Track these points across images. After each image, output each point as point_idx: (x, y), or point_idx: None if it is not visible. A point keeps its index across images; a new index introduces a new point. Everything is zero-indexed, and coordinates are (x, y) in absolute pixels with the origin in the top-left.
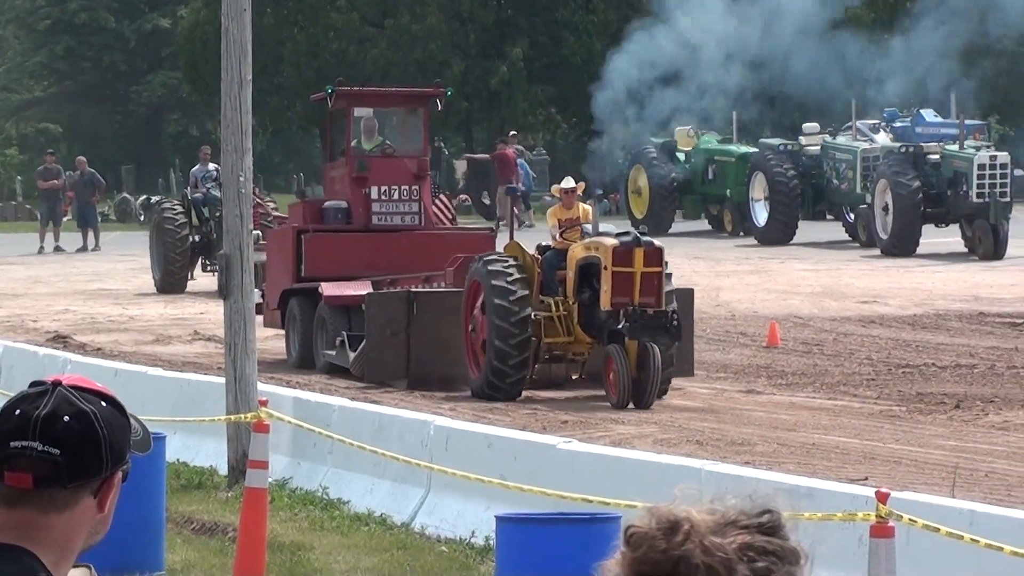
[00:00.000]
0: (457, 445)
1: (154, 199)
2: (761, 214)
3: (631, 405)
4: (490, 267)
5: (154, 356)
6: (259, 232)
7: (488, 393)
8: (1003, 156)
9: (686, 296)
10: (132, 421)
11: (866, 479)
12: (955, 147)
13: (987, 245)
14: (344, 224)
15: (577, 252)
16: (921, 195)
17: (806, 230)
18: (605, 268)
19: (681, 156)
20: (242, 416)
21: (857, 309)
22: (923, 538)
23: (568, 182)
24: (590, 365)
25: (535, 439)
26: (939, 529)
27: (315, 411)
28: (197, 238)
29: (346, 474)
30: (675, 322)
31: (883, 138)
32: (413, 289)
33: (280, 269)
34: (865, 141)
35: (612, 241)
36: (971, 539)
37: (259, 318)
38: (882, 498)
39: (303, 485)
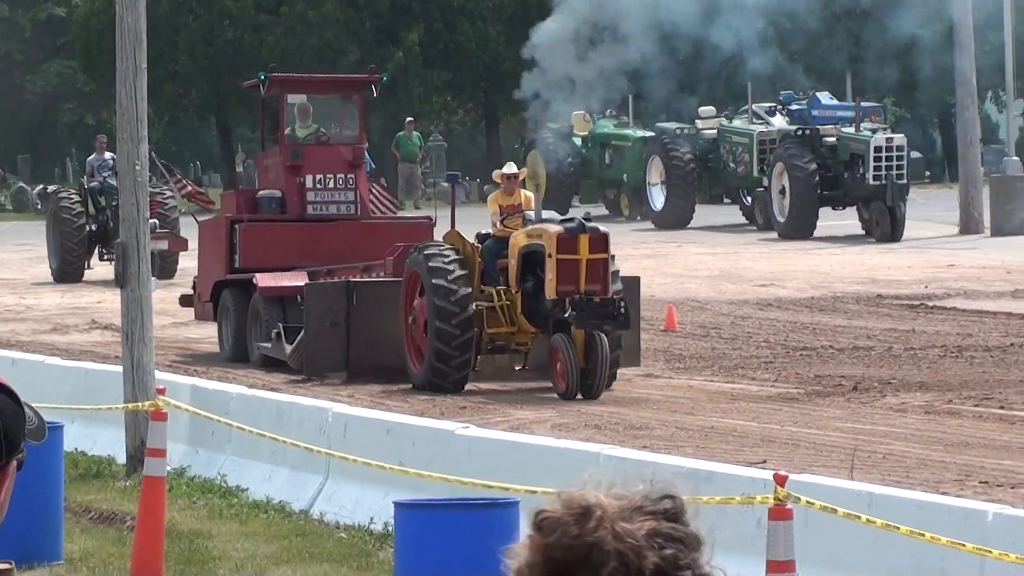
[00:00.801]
0: (355, 432)
1: (51, 188)
2: (658, 198)
3: (579, 396)
4: (429, 257)
5: (51, 345)
6: (155, 221)
7: (433, 381)
8: (899, 138)
9: (632, 284)
10: (27, 410)
11: (764, 462)
12: (851, 130)
13: (884, 227)
14: (278, 213)
15: (519, 240)
16: (818, 178)
17: (703, 214)
18: (549, 256)
19: (578, 141)
20: (140, 404)
21: (754, 292)
22: (821, 520)
23: (510, 167)
24: (534, 356)
25: (433, 425)
26: (837, 511)
27: (213, 399)
28: (94, 227)
29: (244, 462)
30: (623, 309)
31: (779, 121)
32: (352, 279)
33: (213, 260)
34: (761, 124)
35: (556, 228)
36: (868, 520)
37: (190, 310)
38: (780, 481)
39: (201, 473)
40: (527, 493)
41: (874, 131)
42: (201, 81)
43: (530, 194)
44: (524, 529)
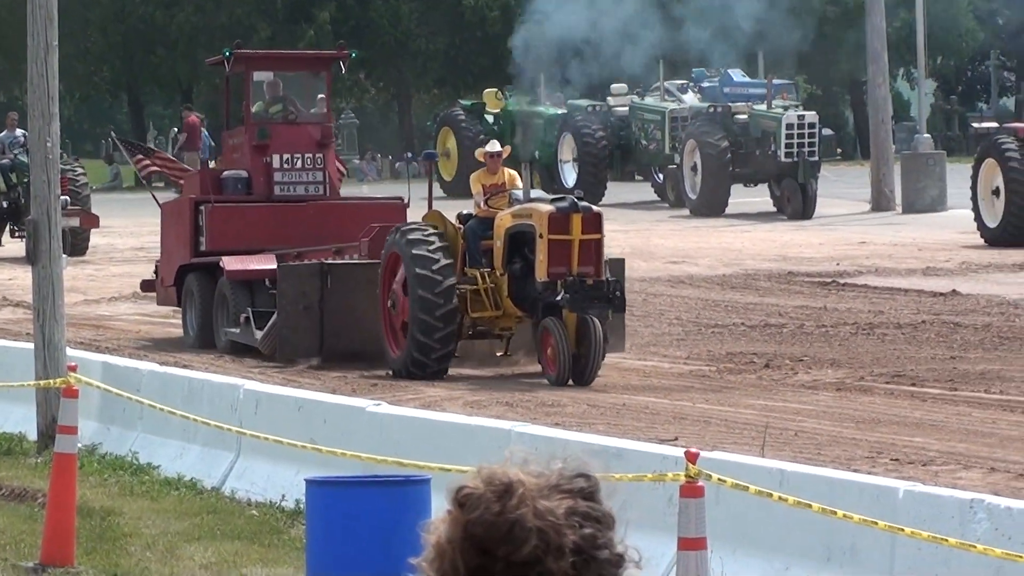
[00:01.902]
0: (267, 409)
1: None
2: (570, 175)
3: (571, 382)
4: (409, 238)
5: None
6: (67, 198)
7: (412, 371)
8: (811, 115)
9: (616, 265)
10: None
11: (676, 439)
12: (763, 107)
13: (795, 204)
14: (244, 195)
15: (506, 220)
16: (729, 155)
17: (615, 191)
18: (540, 236)
19: (490, 118)
20: (51, 382)
21: (666, 269)
22: (733, 497)
23: (493, 145)
24: (515, 341)
25: (345, 402)
26: (748, 488)
27: (125, 376)
28: (5, 204)
29: (156, 439)
30: (618, 292)
31: (691, 98)
32: (326, 261)
33: (176, 243)
34: (673, 101)
35: (547, 207)
36: (779, 497)
37: (152, 295)
38: (691, 458)
39: (113, 450)
40: (440, 471)
41: (785, 108)
42: (113, 58)
43: (514, 172)
44: (436, 506)
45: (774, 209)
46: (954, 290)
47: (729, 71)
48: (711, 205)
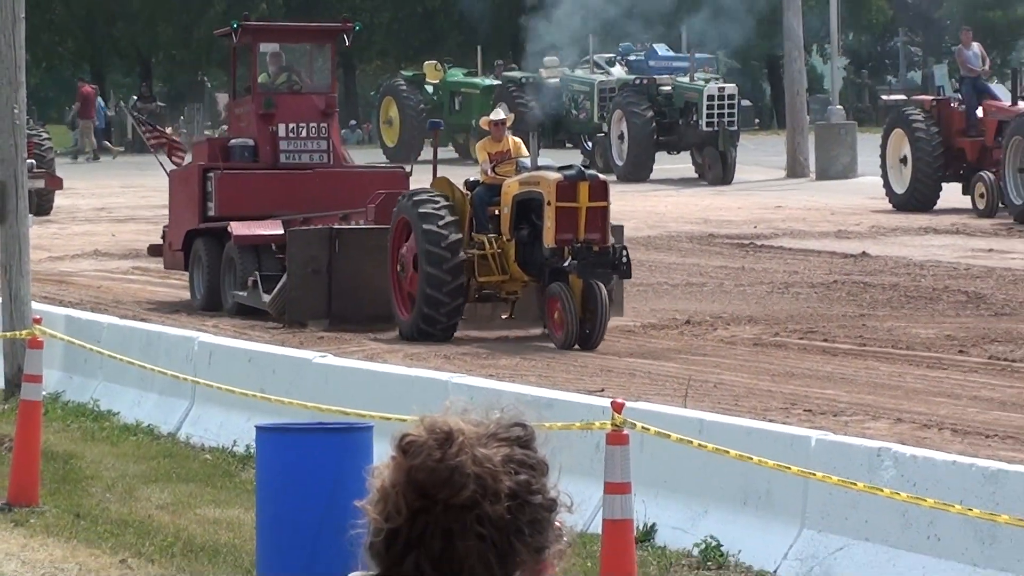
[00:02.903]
0: (220, 360)
1: None
2: None
3: (576, 346)
4: (419, 204)
5: None
6: (32, 161)
7: (420, 333)
8: (731, 88)
9: (616, 231)
10: None
11: (603, 391)
12: (686, 79)
13: (716, 171)
14: (251, 162)
15: (513, 187)
16: (654, 124)
17: (547, 157)
18: (548, 203)
19: (429, 88)
20: (17, 333)
21: None
22: (656, 444)
23: (496, 114)
24: (520, 304)
25: (292, 354)
26: (670, 436)
27: (86, 328)
28: None
29: (116, 387)
30: (624, 259)
31: (619, 71)
32: (335, 226)
33: (184, 209)
34: (602, 74)
35: (555, 175)
36: (699, 445)
37: (160, 259)
38: (617, 408)
39: (75, 398)
40: (381, 419)
41: (707, 81)
42: (76, 30)
43: (518, 140)
44: (378, 452)
45: (696, 175)
46: (864, 252)
47: (654, 46)
48: (637, 171)
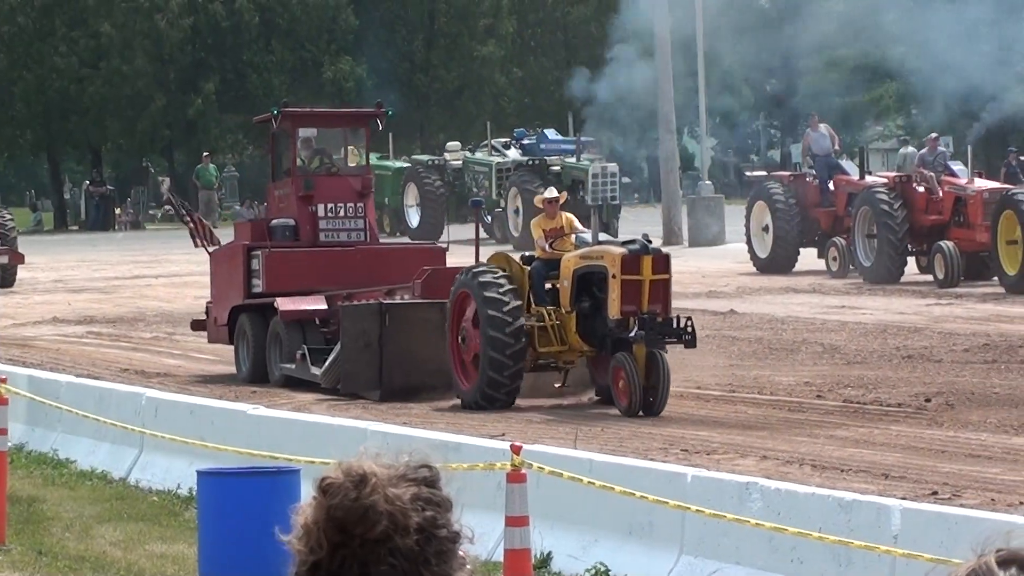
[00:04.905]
0: (165, 412)
1: None
2: (414, 218)
3: (641, 413)
4: (481, 280)
5: None
6: None
7: (482, 404)
8: (612, 166)
9: None
10: None
11: (503, 435)
12: (573, 160)
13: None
14: (292, 241)
15: (573, 261)
16: None
17: (452, 230)
18: (614, 276)
19: None
20: None
21: None
22: (550, 482)
23: (551, 192)
24: (573, 374)
25: (228, 406)
26: (563, 474)
27: (47, 386)
28: None
29: (73, 438)
30: (690, 329)
31: (514, 153)
32: (385, 301)
33: (228, 286)
34: (499, 156)
35: (620, 249)
36: (588, 482)
37: (204, 334)
38: (516, 450)
39: (37, 448)
40: (307, 463)
41: (592, 161)
42: (35, 124)
43: (571, 216)
44: (307, 492)
45: None
46: (732, 309)
47: (544, 130)
48: (531, 241)
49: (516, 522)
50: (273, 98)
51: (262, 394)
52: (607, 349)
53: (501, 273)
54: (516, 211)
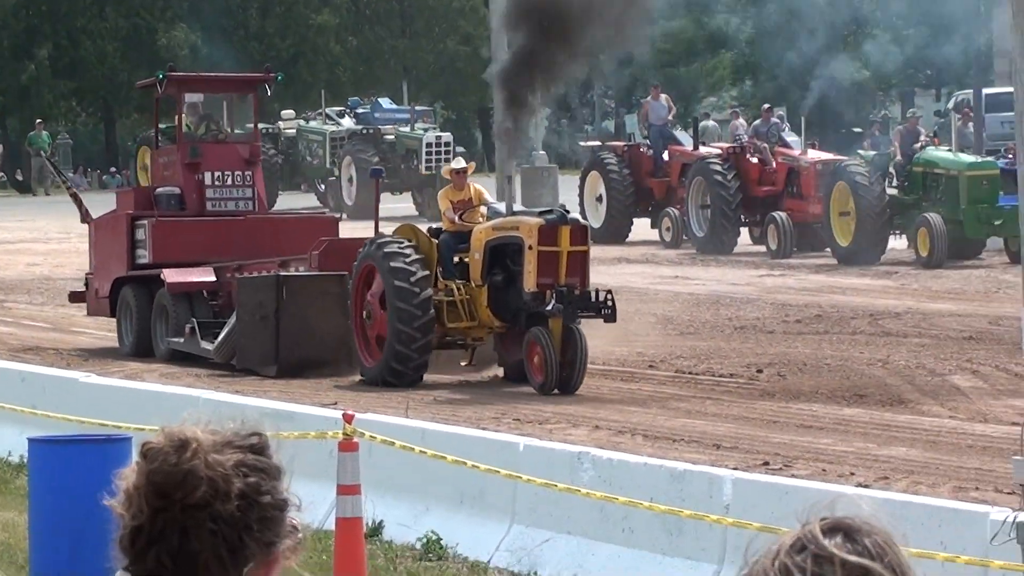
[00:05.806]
0: None
1: None
2: None
3: (556, 390)
4: (386, 251)
5: None
6: None
7: (388, 380)
8: (447, 136)
9: None
10: None
11: (336, 404)
12: (407, 129)
13: (435, 209)
14: (177, 210)
15: (485, 233)
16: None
17: (285, 200)
18: (530, 248)
19: None
20: None
21: None
22: (383, 451)
23: (458, 162)
24: (480, 350)
25: (60, 374)
26: (395, 443)
27: None
28: None
29: None
30: (610, 303)
31: (348, 122)
32: (282, 273)
33: (110, 257)
34: (333, 125)
35: (536, 220)
36: (420, 451)
37: (83, 306)
38: (348, 419)
39: None
40: (137, 430)
41: (426, 130)
42: None
43: (480, 187)
44: (135, 459)
45: (416, 213)
46: None
47: (379, 99)
48: (364, 210)
49: (348, 490)
50: (108, 65)
51: (94, 362)
52: (521, 324)
53: (407, 243)
54: (350, 180)
